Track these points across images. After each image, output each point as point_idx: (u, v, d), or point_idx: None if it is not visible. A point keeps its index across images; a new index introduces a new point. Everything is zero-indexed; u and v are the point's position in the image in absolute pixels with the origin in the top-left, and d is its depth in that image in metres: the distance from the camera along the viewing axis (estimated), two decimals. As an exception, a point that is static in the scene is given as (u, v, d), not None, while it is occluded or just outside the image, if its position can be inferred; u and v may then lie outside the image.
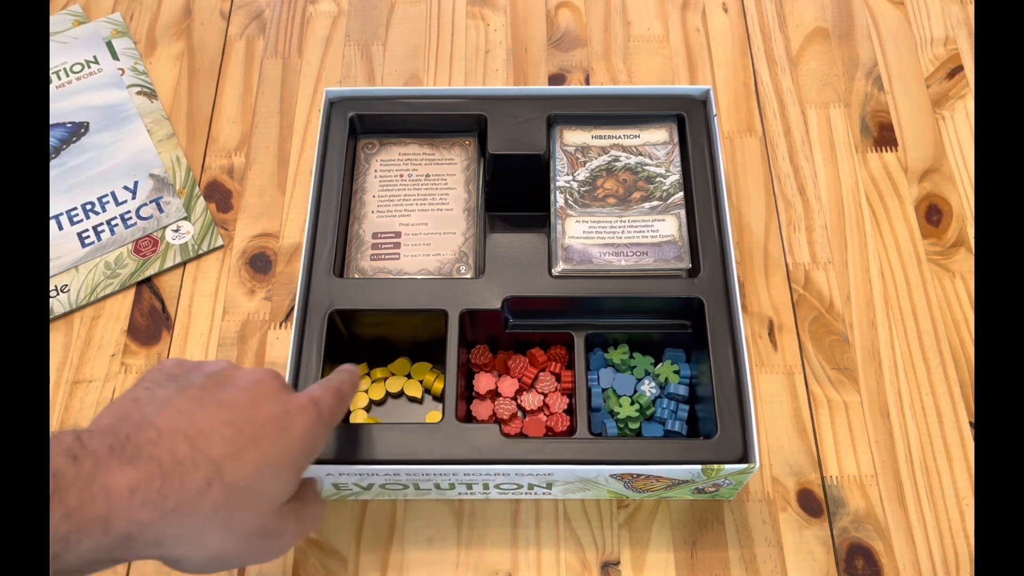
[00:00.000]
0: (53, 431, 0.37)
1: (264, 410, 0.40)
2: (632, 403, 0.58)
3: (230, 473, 0.37)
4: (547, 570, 0.56)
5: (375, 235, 0.61)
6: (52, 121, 0.73)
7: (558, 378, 0.60)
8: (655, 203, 0.61)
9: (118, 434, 0.37)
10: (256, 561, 0.42)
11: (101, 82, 0.75)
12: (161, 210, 0.69)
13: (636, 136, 0.64)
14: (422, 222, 0.62)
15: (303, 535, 0.43)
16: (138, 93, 0.75)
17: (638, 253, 0.59)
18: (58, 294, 0.65)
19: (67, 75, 0.75)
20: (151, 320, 0.65)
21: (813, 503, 0.58)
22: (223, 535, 0.38)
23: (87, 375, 0.63)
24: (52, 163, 0.71)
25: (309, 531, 0.43)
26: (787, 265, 0.67)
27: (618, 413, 0.58)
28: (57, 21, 0.78)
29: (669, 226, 0.60)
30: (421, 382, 0.62)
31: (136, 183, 0.70)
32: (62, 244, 0.67)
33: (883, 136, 0.72)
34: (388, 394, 0.61)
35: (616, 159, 0.63)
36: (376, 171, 0.64)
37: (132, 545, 0.36)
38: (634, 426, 0.58)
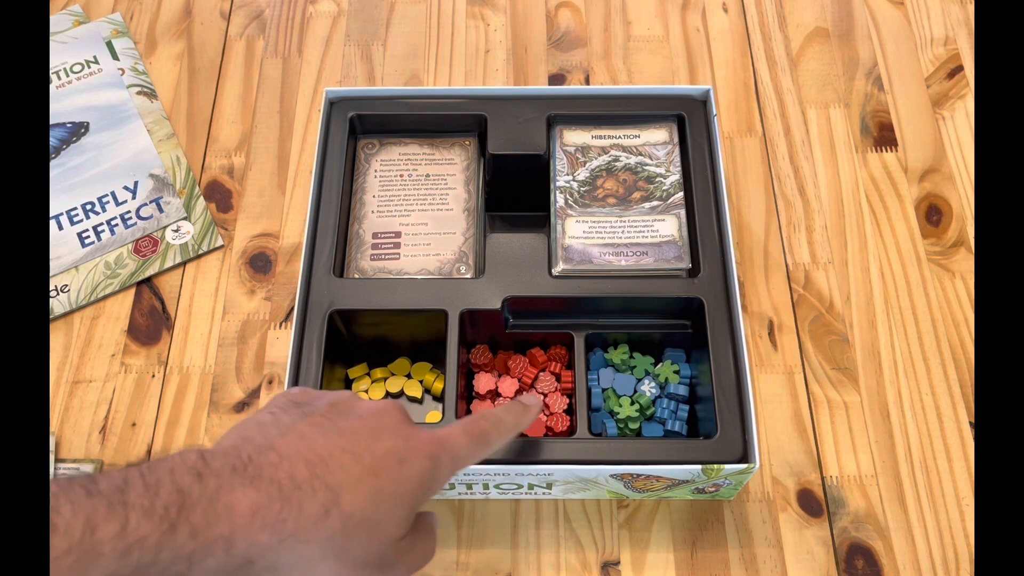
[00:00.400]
0: (178, 449, 0.37)
1: (384, 442, 0.40)
2: (632, 403, 0.58)
3: (347, 502, 0.37)
4: (547, 570, 0.56)
5: (375, 235, 0.61)
6: (52, 121, 0.73)
7: (558, 378, 0.60)
8: (655, 203, 0.61)
9: (240, 455, 0.37)
10: None
11: (101, 82, 0.75)
12: (161, 210, 0.69)
13: (636, 136, 0.64)
14: (422, 222, 0.62)
15: (415, 569, 0.42)
16: (138, 93, 0.75)
17: (638, 253, 0.59)
18: (58, 294, 0.65)
19: (67, 75, 0.75)
20: (151, 320, 0.65)
21: (813, 503, 0.58)
22: (338, 566, 0.37)
23: (87, 375, 0.63)
24: (52, 163, 0.71)
25: (421, 565, 0.42)
26: (787, 265, 0.67)
27: (618, 413, 0.58)
28: (57, 21, 0.78)
29: (669, 226, 0.60)
30: (421, 382, 0.62)
31: (136, 183, 0.70)
32: (62, 244, 0.67)
33: (883, 136, 0.72)
34: (388, 394, 0.61)
35: (616, 159, 0.63)
36: (376, 171, 0.64)
37: (251, 570, 0.35)
38: (634, 426, 0.58)
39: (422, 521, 0.42)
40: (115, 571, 0.32)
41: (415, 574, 0.41)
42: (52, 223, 0.68)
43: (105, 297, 0.66)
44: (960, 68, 0.76)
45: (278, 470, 0.37)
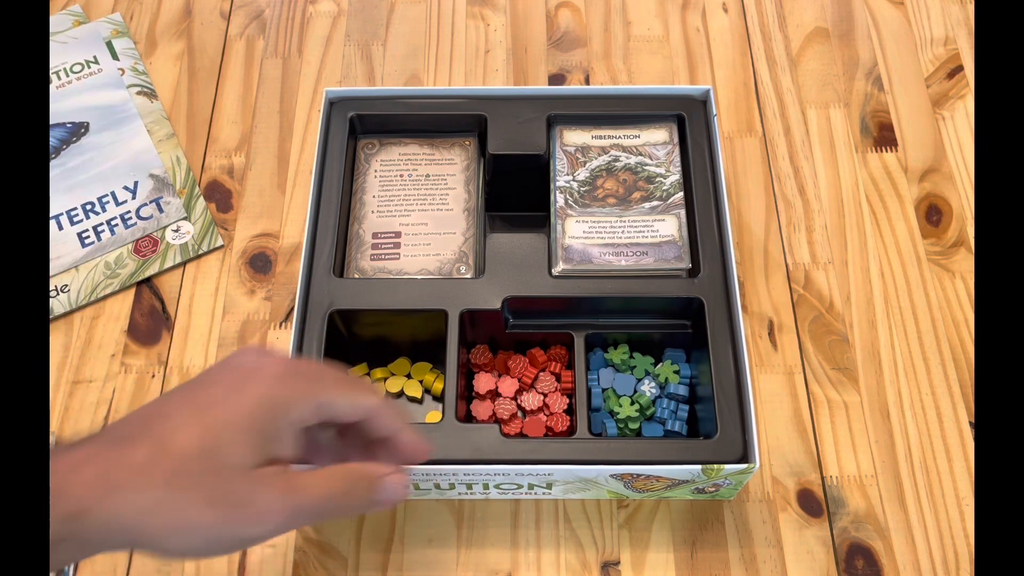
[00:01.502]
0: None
1: (224, 378, 0.38)
2: (632, 403, 0.58)
3: (178, 441, 0.36)
4: (547, 570, 0.56)
5: (375, 235, 0.61)
6: (52, 121, 0.73)
7: (558, 378, 0.60)
8: (655, 203, 0.61)
9: (99, 433, 0.37)
10: (242, 534, 0.37)
11: (101, 82, 0.75)
12: (161, 210, 0.69)
13: (636, 136, 0.64)
14: (422, 222, 0.62)
15: (297, 506, 0.38)
16: (138, 93, 0.75)
17: (638, 253, 0.59)
18: (58, 294, 0.65)
19: (67, 75, 0.75)
20: (151, 320, 0.65)
21: (813, 503, 0.58)
22: (188, 508, 0.35)
23: (87, 375, 0.63)
24: (52, 163, 0.71)
25: (308, 503, 0.38)
26: (787, 265, 0.67)
27: (618, 413, 0.58)
28: (57, 21, 0.78)
29: (669, 226, 0.60)
30: (421, 382, 0.62)
31: (136, 183, 0.70)
32: (62, 244, 0.67)
33: (883, 136, 0.72)
34: (388, 394, 0.61)
35: (616, 159, 0.63)
36: (376, 171, 0.64)
37: (82, 525, 0.34)
38: (634, 426, 0.58)
39: (329, 467, 0.39)
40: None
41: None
42: (52, 223, 0.68)
43: (105, 297, 0.66)
44: (960, 68, 0.76)
45: (117, 429, 0.36)
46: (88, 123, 0.73)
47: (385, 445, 0.43)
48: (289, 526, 0.38)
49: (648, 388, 0.59)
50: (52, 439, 0.60)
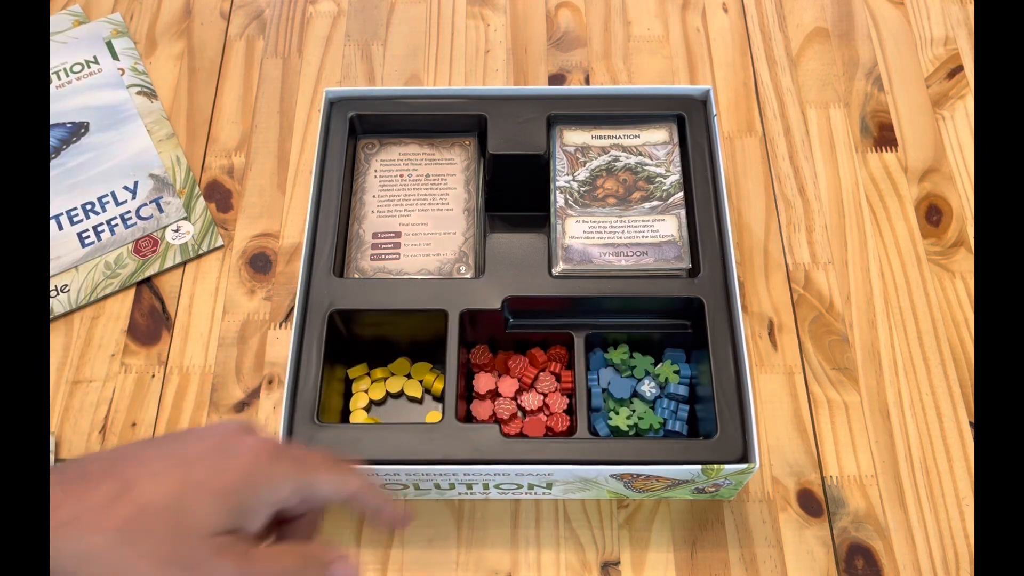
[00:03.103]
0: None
1: (208, 442, 0.37)
2: (629, 416, 0.58)
3: (143, 490, 0.34)
4: (547, 570, 0.56)
5: (375, 235, 0.61)
6: (52, 121, 0.73)
7: (558, 378, 0.60)
8: (655, 203, 0.61)
9: (81, 463, 0.35)
10: None
11: (101, 82, 0.75)
12: (161, 210, 0.69)
13: (636, 136, 0.64)
14: (422, 222, 0.62)
15: None
16: (138, 93, 0.75)
17: (638, 253, 0.59)
18: (58, 294, 0.65)
19: (67, 75, 0.75)
20: (151, 320, 0.65)
21: (813, 503, 0.58)
22: (137, 559, 0.33)
23: (87, 375, 0.63)
24: (52, 163, 0.71)
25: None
26: (787, 265, 0.67)
27: (611, 420, 0.58)
28: (57, 21, 0.78)
29: (669, 226, 0.60)
30: (421, 382, 0.62)
31: (136, 183, 0.70)
32: (62, 244, 0.67)
33: (883, 136, 0.72)
34: (388, 394, 0.61)
35: (616, 159, 0.63)
36: (376, 171, 0.64)
37: None
38: (630, 433, 0.58)
39: (293, 529, 0.39)
40: None
41: None
42: (52, 223, 0.68)
43: (105, 297, 0.66)
44: (960, 68, 0.76)
45: (85, 464, 0.35)
46: (88, 123, 0.73)
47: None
48: None
49: (648, 388, 0.59)
50: (52, 440, 0.60)
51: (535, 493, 0.57)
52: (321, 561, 0.38)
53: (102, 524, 0.33)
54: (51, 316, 0.65)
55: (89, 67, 0.76)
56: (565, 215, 0.61)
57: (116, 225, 0.68)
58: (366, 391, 0.61)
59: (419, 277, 0.59)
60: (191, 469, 0.35)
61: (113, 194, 0.70)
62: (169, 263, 0.67)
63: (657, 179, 0.62)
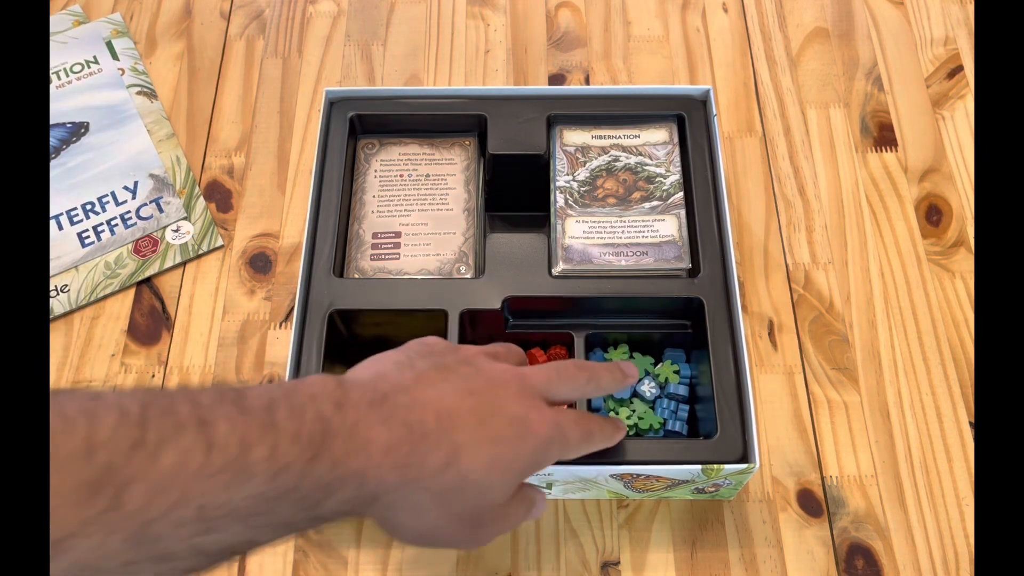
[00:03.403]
0: (312, 375, 0.38)
1: (508, 411, 0.41)
2: (629, 416, 0.58)
3: (467, 462, 0.38)
4: (547, 570, 0.56)
5: (375, 235, 0.61)
6: (52, 121, 0.73)
7: (558, 378, 0.60)
8: (655, 203, 0.61)
9: (376, 389, 0.38)
10: (458, 546, 0.45)
11: (101, 82, 0.75)
12: (161, 210, 0.69)
13: (636, 136, 0.64)
14: (422, 222, 0.62)
15: (503, 532, 0.44)
16: (138, 93, 0.75)
17: (638, 253, 0.59)
18: (58, 294, 0.66)
19: (67, 75, 0.75)
20: (151, 320, 0.65)
21: (813, 503, 0.58)
22: (442, 515, 0.39)
23: (87, 375, 0.63)
24: (52, 163, 0.71)
25: (508, 530, 0.44)
26: (787, 265, 0.67)
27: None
28: (57, 21, 0.78)
29: (669, 226, 0.60)
30: (421, 382, 0.62)
31: (136, 183, 0.70)
32: (62, 244, 0.67)
33: (883, 136, 0.72)
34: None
35: (616, 159, 0.63)
36: (376, 171, 0.64)
37: (375, 505, 0.37)
38: (630, 433, 0.58)
39: (523, 491, 0.43)
40: (262, 492, 0.33)
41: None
42: (52, 223, 0.68)
43: (105, 297, 0.66)
44: (960, 68, 0.76)
45: (410, 413, 0.38)
46: (88, 123, 0.73)
47: None
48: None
49: (648, 388, 0.59)
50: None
51: (535, 493, 0.57)
52: (532, 501, 0.45)
53: (432, 485, 0.38)
54: (51, 316, 0.65)
55: (89, 67, 0.76)
56: (565, 215, 0.61)
57: (116, 225, 0.68)
58: (366, 391, 0.61)
59: (419, 277, 0.59)
60: (499, 447, 0.40)
61: (113, 194, 0.70)
62: (169, 263, 0.67)
63: (657, 179, 0.62)
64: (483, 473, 0.39)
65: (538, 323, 0.60)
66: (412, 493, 0.37)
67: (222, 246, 0.68)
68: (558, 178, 0.62)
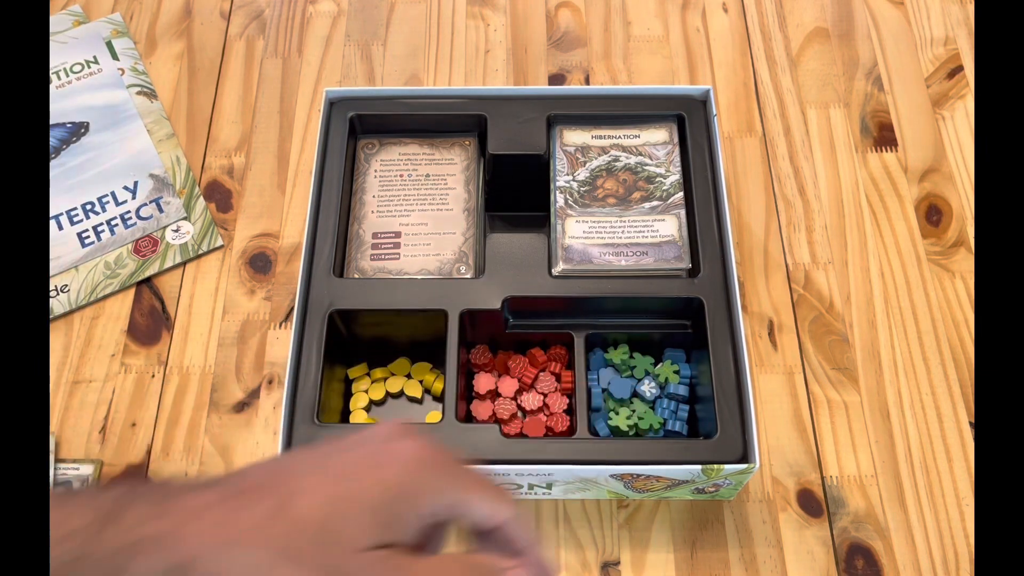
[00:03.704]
0: (176, 447, 0.36)
1: (361, 451, 0.37)
2: (629, 416, 0.58)
3: (300, 505, 0.34)
4: (547, 570, 0.56)
5: (375, 235, 0.61)
6: (52, 121, 0.73)
7: (558, 378, 0.60)
8: (655, 203, 0.61)
9: (230, 472, 0.37)
10: None
11: (101, 82, 0.75)
12: (161, 210, 0.69)
13: (636, 136, 0.64)
14: (422, 222, 0.62)
15: None
16: (138, 93, 0.75)
17: (638, 253, 0.59)
18: (58, 294, 0.65)
19: (67, 75, 0.75)
20: (151, 320, 0.65)
21: (813, 503, 0.58)
22: (296, 573, 0.34)
23: (87, 375, 0.63)
24: (52, 163, 0.71)
25: None
26: (787, 265, 0.67)
27: (611, 420, 0.58)
28: (57, 21, 0.78)
29: (669, 226, 0.60)
30: (421, 382, 0.62)
31: (136, 183, 0.70)
32: (62, 244, 0.67)
33: (883, 136, 0.72)
34: (388, 394, 0.61)
35: (616, 159, 0.63)
36: (376, 171, 0.64)
37: (195, 572, 0.33)
38: (630, 433, 0.58)
39: (434, 541, 0.38)
40: (58, 564, 0.31)
41: None
42: (52, 223, 0.68)
43: (105, 297, 0.66)
44: (960, 68, 0.76)
45: (243, 479, 0.35)
46: (88, 123, 0.73)
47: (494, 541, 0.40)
48: None
49: (648, 388, 0.59)
50: (52, 440, 0.60)
51: (535, 493, 0.57)
52: (489, 572, 0.37)
53: (263, 540, 0.33)
54: (51, 316, 0.65)
55: (89, 67, 0.76)
56: (565, 215, 0.61)
57: (116, 225, 0.68)
58: (366, 391, 0.61)
59: (419, 277, 0.59)
60: (343, 484, 0.35)
61: (113, 194, 0.70)
62: (169, 263, 0.67)
63: (657, 179, 0.62)
64: (325, 513, 0.34)
65: (538, 323, 0.60)
66: (241, 554, 0.33)
67: (222, 246, 0.68)
68: (558, 178, 0.62)
